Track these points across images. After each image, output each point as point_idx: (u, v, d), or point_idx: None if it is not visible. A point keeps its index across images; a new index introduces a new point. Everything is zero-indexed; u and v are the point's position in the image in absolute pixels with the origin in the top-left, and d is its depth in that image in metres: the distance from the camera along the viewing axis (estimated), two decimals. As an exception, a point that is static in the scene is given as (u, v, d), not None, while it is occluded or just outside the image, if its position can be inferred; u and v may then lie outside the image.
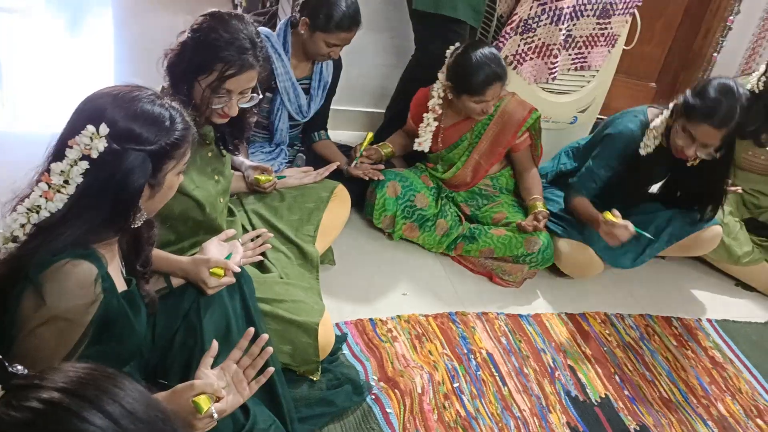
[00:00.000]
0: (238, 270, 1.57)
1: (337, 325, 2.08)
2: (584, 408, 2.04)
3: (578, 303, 2.51)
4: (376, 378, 1.94)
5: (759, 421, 2.15)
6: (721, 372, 2.34)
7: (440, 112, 2.49)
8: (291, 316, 1.77)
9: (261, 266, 1.93)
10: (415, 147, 2.56)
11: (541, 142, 2.60)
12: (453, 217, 2.58)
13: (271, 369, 1.34)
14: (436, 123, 2.51)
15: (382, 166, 2.55)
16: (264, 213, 2.11)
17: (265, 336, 1.34)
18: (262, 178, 2.12)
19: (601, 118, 3.50)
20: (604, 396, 2.11)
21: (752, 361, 2.42)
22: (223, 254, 1.61)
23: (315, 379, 1.83)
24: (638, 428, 2.01)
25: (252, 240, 1.85)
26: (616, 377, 2.19)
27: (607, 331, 2.40)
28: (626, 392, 2.14)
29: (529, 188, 2.59)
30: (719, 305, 2.59)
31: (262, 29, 2.19)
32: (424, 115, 2.51)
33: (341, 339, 2.02)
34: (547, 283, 2.59)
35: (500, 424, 1.91)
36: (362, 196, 2.56)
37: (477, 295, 2.42)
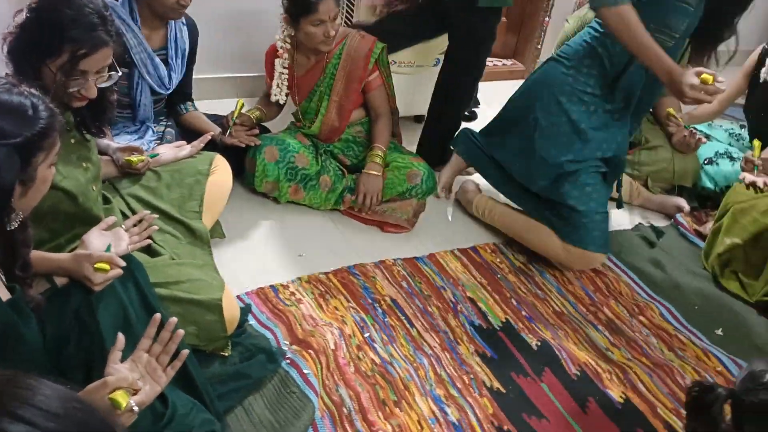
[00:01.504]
0: (124, 263, 1.46)
1: (239, 297, 2.04)
2: (489, 334, 2.14)
3: (468, 238, 2.60)
4: (287, 343, 1.93)
5: (641, 317, 2.35)
6: (603, 279, 2.52)
7: (287, 53, 2.48)
8: (191, 296, 1.72)
9: (149, 250, 1.83)
10: (273, 98, 2.54)
11: (392, 82, 2.63)
12: (335, 171, 2.57)
13: (186, 352, 1.31)
14: (286, 69, 2.50)
15: (257, 131, 2.48)
16: (142, 195, 1.99)
17: (174, 319, 1.29)
18: (134, 158, 2.00)
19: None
20: (504, 320, 2.22)
21: (626, 264, 2.62)
22: (106, 244, 1.52)
23: (226, 354, 1.80)
24: (540, 343, 2.14)
25: (135, 224, 1.76)
26: (513, 301, 2.31)
27: (498, 260, 2.51)
28: (524, 313, 2.26)
29: (375, 135, 2.58)
30: (592, 219, 2.77)
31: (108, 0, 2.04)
32: (276, 61, 2.50)
33: (246, 310, 1.98)
34: (436, 224, 2.66)
35: (415, 364, 1.96)
36: (241, 164, 2.49)
37: (372, 246, 2.45)
